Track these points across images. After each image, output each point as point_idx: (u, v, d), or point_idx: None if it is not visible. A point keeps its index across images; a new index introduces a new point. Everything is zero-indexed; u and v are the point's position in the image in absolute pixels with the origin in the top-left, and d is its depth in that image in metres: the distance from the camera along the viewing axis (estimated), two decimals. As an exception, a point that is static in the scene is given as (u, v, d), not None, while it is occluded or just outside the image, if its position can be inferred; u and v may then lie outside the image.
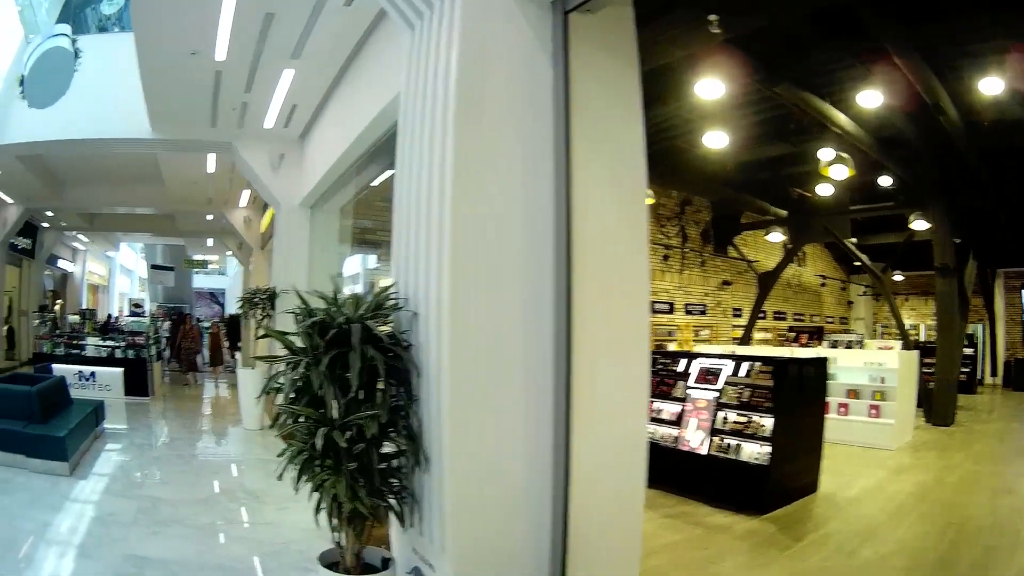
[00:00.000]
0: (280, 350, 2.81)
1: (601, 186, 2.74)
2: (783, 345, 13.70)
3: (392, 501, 2.62)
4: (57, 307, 17.46)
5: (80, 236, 19.73)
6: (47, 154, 10.54)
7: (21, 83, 5.83)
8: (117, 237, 22.16)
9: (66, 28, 5.92)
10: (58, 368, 9.92)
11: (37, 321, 12.50)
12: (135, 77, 6.49)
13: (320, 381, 2.42)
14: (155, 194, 12.77)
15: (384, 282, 7.32)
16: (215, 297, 32.29)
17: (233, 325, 16.44)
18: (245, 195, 12.02)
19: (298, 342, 2.63)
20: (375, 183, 6.73)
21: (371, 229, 7.71)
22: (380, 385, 2.56)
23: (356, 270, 7.83)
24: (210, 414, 10.14)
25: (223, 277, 33.38)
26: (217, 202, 12.71)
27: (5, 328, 15.05)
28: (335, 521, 2.57)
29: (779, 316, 17.15)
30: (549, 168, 2.62)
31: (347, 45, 5.56)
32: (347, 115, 5.75)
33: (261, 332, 6.58)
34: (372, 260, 7.79)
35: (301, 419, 2.56)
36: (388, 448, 2.64)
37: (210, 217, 14.48)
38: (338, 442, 2.39)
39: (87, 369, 10.23)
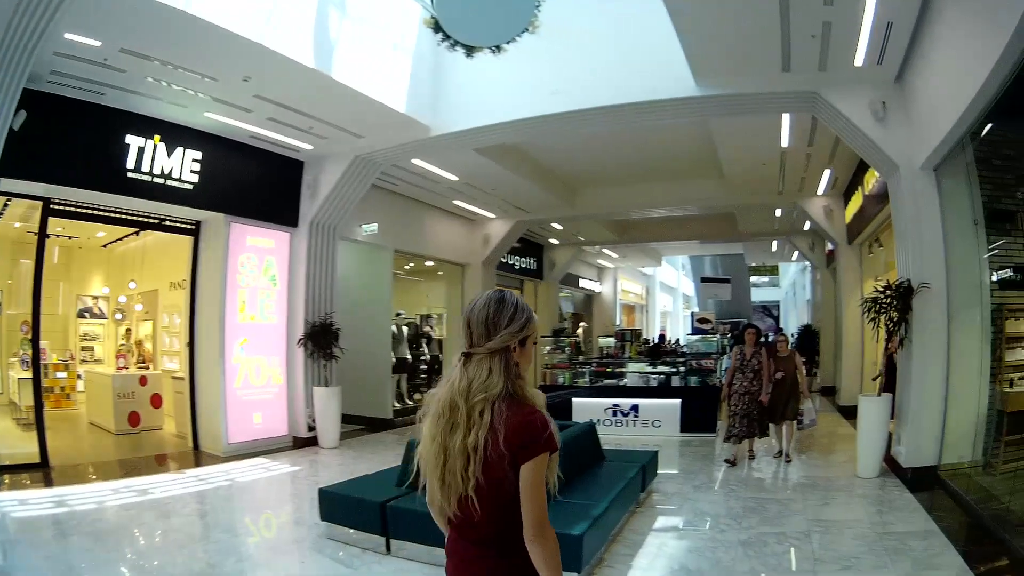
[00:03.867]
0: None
1: None
2: None
3: None
4: (580, 331, 17.63)
5: (607, 251, 19.53)
6: (530, 145, 9.66)
7: (437, 28, 4.49)
8: (653, 250, 21.25)
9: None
10: (580, 403, 9.06)
11: (548, 348, 11.38)
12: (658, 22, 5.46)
13: None
14: (709, 190, 11.44)
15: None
16: (768, 311, 31.22)
17: (809, 341, 14.15)
18: (826, 176, 10.23)
19: None
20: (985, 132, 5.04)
21: (996, 197, 5.61)
22: None
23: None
24: (805, 454, 7.74)
25: (775, 289, 31.62)
26: (790, 191, 10.98)
27: None
28: None
29: None
30: None
31: None
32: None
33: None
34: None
35: None
36: None
37: (779, 212, 12.92)
38: None
39: (625, 402, 8.98)
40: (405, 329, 11.68)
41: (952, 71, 4.88)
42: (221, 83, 6.42)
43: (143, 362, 10.16)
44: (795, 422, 7.34)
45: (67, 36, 5.20)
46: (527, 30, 4.50)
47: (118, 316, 11.06)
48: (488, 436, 1.50)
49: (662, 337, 17.13)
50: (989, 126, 4.97)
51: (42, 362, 9.28)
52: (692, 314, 23.03)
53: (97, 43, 5.44)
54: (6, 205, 7.34)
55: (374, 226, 10.01)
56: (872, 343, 8.89)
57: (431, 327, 12.60)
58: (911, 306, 5.99)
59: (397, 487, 4.55)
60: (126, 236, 9.91)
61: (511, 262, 14.95)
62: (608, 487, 4.64)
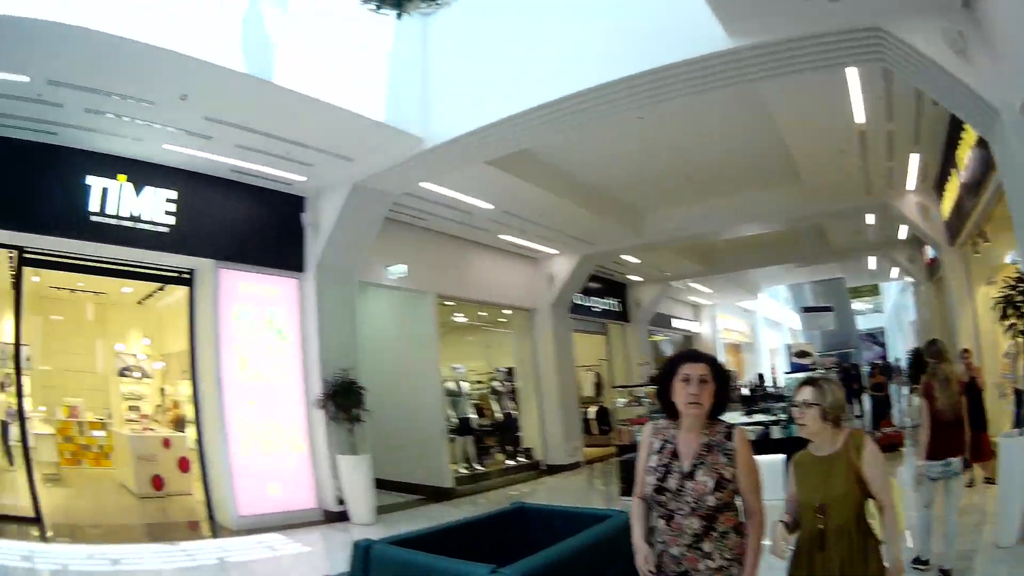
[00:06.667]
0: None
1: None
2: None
3: None
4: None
5: (696, 286, 17.97)
6: (564, 158, 8.43)
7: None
8: (749, 279, 19.47)
9: None
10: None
11: (624, 400, 10.39)
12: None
13: None
14: (788, 198, 9.81)
15: None
16: (874, 338, 29.06)
17: (919, 368, 13.51)
18: (914, 163, 8.30)
19: None
20: None
21: None
22: None
23: None
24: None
25: (879, 315, 29.93)
26: (878, 187, 9.18)
27: (595, 409, 13.94)
28: None
29: None
30: None
31: None
32: None
33: None
34: None
35: None
36: None
37: (871, 219, 11.10)
38: None
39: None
40: (466, 385, 10.39)
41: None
42: (160, 106, 5.68)
43: (178, 423, 9.49)
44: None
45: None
46: None
47: (136, 375, 10.46)
48: None
49: (761, 377, 15.02)
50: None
51: (75, 420, 9.53)
52: (787, 346, 20.11)
53: (25, 78, 4.98)
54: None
55: (403, 267, 8.79)
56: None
57: (501, 382, 11.32)
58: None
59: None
60: (155, 292, 9.32)
61: (588, 304, 13.45)
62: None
